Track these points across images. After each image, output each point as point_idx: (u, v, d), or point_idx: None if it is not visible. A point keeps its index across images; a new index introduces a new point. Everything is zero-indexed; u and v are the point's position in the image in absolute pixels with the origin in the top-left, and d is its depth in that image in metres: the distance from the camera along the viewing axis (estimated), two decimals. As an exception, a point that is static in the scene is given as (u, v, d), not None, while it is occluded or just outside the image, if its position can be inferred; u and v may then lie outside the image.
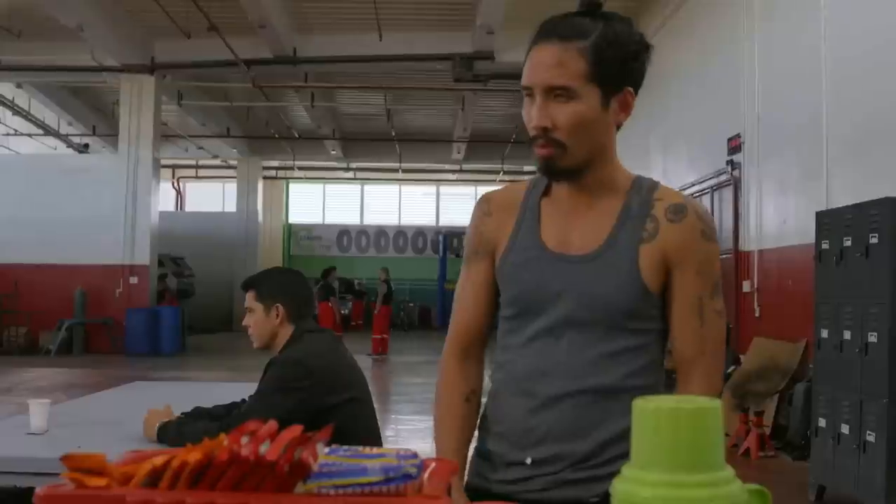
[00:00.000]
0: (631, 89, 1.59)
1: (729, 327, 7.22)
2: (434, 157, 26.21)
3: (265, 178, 28.40)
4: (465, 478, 1.70)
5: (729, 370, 7.98)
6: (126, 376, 10.51)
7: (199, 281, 23.10)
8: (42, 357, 15.97)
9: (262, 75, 16.45)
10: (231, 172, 28.18)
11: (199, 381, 10.05)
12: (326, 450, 1.10)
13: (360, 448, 1.13)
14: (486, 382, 1.77)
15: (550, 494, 1.58)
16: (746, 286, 9.09)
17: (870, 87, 6.80)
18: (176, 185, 30.15)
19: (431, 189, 30.65)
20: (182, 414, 2.97)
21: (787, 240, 8.33)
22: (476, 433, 1.73)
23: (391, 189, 30.65)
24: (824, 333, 5.83)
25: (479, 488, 1.66)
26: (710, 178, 10.49)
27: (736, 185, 9.73)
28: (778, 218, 8.64)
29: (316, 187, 30.74)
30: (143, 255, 16.82)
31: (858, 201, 5.72)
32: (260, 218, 27.24)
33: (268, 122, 22.57)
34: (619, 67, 1.56)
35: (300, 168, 28.40)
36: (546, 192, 1.69)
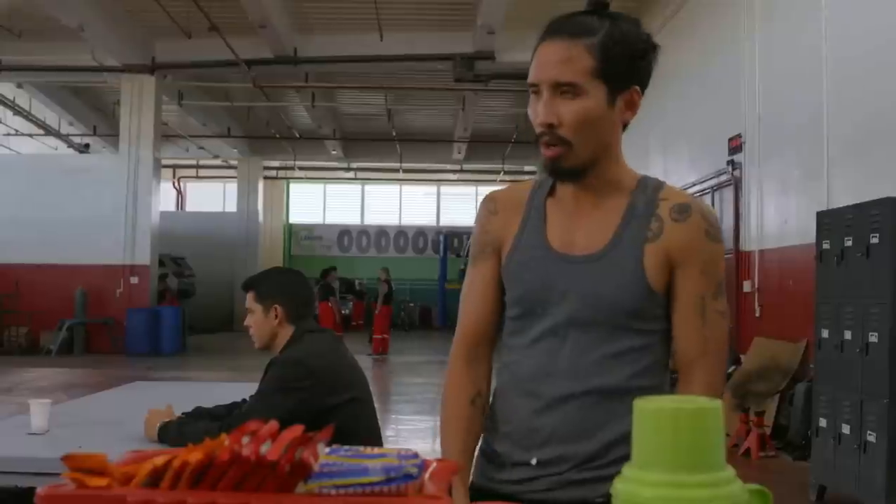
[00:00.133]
0: (637, 88, 1.59)
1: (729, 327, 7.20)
2: (435, 157, 26.22)
3: (266, 178, 28.41)
4: (471, 478, 1.69)
5: (729, 370, 7.98)
6: (127, 376, 10.51)
7: (199, 281, 23.11)
8: (43, 357, 15.97)
9: (262, 75, 16.45)
10: (232, 172, 28.19)
11: (199, 381, 10.06)
12: (327, 450, 1.10)
13: (361, 448, 1.13)
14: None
15: (556, 495, 1.58)
16: (747, 286, 9.09)
17: (870, 87, 6.80)
18: (176, 185, 30.17)
19: (432, 189, 30.65)
20: (183, 414, 2.97)
21: (787, 240, 8.33)
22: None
23: (392, 189, 30.66)
24: (825, 333, 5.83)
25: (484, 488, 1.66)
26: (710, 178, 10.49)
27: (736, 185, 9.73)
28: (779, 218, 8.64)
29: (317, 187, 30.75)
30: (143, 255, 16.83)
31: (859, 201, 5.72)
32: (260, 218, 27.25)
33: (268, 122, 22.57)
34: (627, 65, 1.56)
35: (301, 168, 28.40)
36: (551, 191, 1.69)
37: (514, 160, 25.06)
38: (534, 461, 1.60)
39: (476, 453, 1.72)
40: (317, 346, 2.95)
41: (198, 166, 29.16)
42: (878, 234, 5.26)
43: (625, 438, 1.51)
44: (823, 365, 5.91)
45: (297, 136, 23.66)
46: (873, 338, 5.22)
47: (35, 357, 16.00)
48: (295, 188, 30.87)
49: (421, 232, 29.86)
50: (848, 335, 5.50)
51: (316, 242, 29.90)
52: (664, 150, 12.58)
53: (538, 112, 1.56)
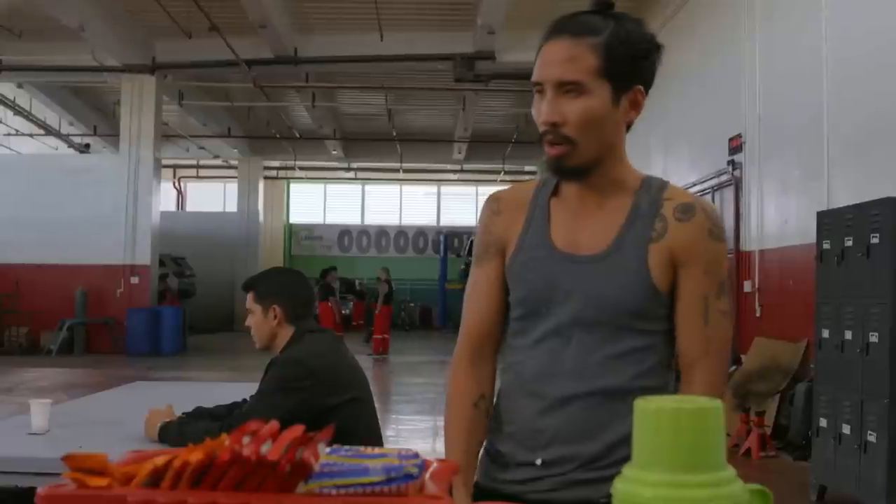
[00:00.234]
0: (641, 88, 1.59)
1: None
2: (435, 158, 26.22)
3: (266, 178, 28.41)
4: (475, 478, 1.69)
5: (730, 370, 7.98)
6: (127, 376, 10.51)
7: (199, 281, 23.11)
8: (43, 357, 15.97)
9: (263, 75, 16.46)
10: (232, 172, 28.19)
11: (200, 381, 10.06)
12: (328, 450, 1.10)
13: (362, 448, 1.13)
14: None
15: (560, 495, 1.58)
16: (747, 286, 9.09)
17: (871, 88, 6.80)
18: (177, 185, 30.17)
19: (432, 189, 30.64)
20: (183, 414, 2.97)
21: (788, 240, 8.33)
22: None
23: (392, 189, 30.66)
24: (825, 333, 5.83)
25: (488, 488, 1.66)
26: (711, 178, 10.49)
27: (737, 185, 9.73)
28: (779, 218, 8.64)
29: (317, 187, 30.75)
30: (144, 255, 16.83)
31: (859, 201, 5.73)
32: (261, 218, 27.25)
33: (269, 122, 22.57)
34: (631, 65, 1.56)
35: (301, 168, 28.40)
36: (555, 191, 1.69)
37: (514, 160, 25.05)
38: (538, 461, 1.60)
39: (480, 454, 1.72)
40: (317, 346, 2.95)
41: (198, 166, 29.16)
42: (878, 234, 5.26)
43: (629, 439, 1.51)
44: (824, 365, 5.91)
45: (298, 136, 23.66)
46: (874, 338, 5.22)
47: (35, 357, 16.00)
48: (295, 188, 30.87)
49: (421, 232, 29.86)
50: (848, 335, 5.50)
51: (316, 242, 29.91)
52: (665, 150, 12.58)
53: (542, 111, 1.56)
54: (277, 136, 23.49)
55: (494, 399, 1.74)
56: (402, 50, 15.40)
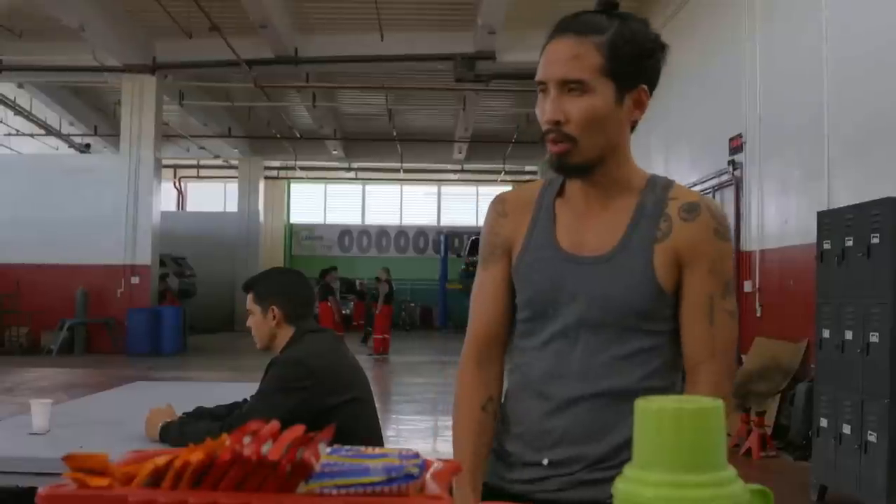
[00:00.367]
0: (645, 87, 1.59)
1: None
2: (435, 158, 26.22)
3: (266, 178, 28.42)
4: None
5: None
6: (127, 376, 10.51)
7: (200, 281, 23.12)
8: (43, 357, 15.98)
9: (263, 75, 16.46)
10: (232, 172, 28.20)
11: (200, 381, 10.06)
12: (328, 450, 1.10)
13: (363, 448, 1.13)
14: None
15: (567, 495, 1.59)
16: (748, 286, 9.09)
17: (871, 88, 6.80)
18: (177, 185, 30.19)
19: (433, 189, 30.66)
20: (184, 414, 2.97)
21: (788, 240, 8.33)
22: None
23: (392, 189, 30.67)
24: (826, 333, 5.83)
25: (495, 487, 1.67)
26: (711, 178, 10.49)
27: (737, 185, 9.73)
28: (779, 218, 8.64)
29: (317, 187, 30.76)
30: (144, 255, 16.84)
31: (860, 201, 5.73)
32: (261, 218, 27.26)
33: (269, 122, 22.58)
34: (635, 64, 1.56)
35: (301, 168, 28.42)
36: (560, 191, 1.69)
37: (514, 160, 25.06)
38: (545, 462, 1.60)
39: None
40: (317, 346, 2.95)
41: (198, 166, 29.17)
42: (878, 234, 5.26)
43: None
44: (824, 365, 5.91)
45: (298, 136, 23.66)
46: (874, 338, 5.22)
47: (36, 357, 16.01)
48: (296, 188, 30.88)
49: (422, 232, 29.86)
50: (849, 335, 5.50)
51: (317, 242, 29.92)
52: (666, 150, 12.58)
53: (545, 109, 1.56)
54: (278, 136, 23.50)
55: (502, 400, 1.74)
56: (403, 50, 15.40)
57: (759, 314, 8.84)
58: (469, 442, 1.67)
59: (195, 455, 1.01)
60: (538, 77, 1.57)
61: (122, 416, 3.24)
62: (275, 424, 1.05)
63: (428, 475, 1.10)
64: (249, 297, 3.07)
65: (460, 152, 24.76)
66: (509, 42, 14.26)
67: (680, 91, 11.28)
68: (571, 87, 1.54)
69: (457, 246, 27.48)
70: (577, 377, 1.58)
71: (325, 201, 30.74)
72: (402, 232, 30.06)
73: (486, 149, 24.35)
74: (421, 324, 27.92)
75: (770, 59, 8.88)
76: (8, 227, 16.94)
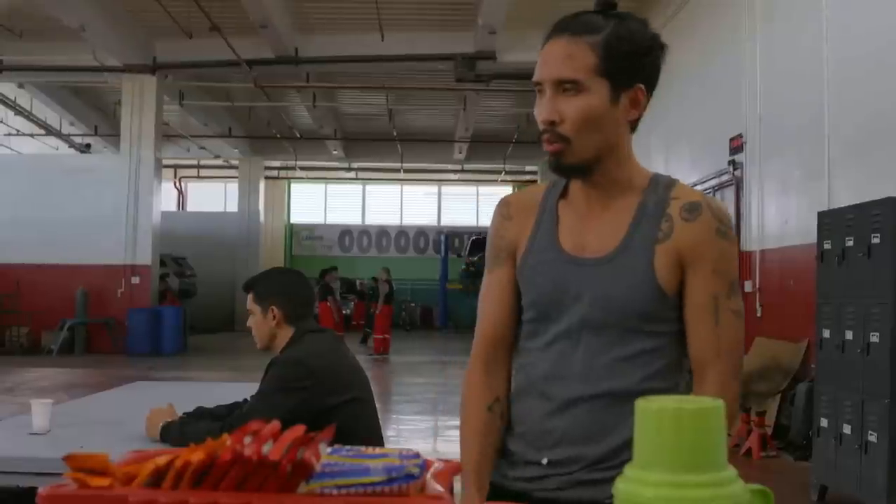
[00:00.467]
0: (642, 86, 1.58)
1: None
2: (436, 158, 26.22)
3: (267, 178, 28.42)
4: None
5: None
6: (128, 376, 10.51)
7: (200, 281, 23.12)
8: (44, 357, 15.98)
9: (263, 75, 16.46)
10: (233, 172, 28.20)
11: (200, 381, 10.06)
12: (329, 450, 1.10)
13: (363, 448, 1.13)
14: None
15: (566, 494, 1.59)
16: (748, 286, 9.09)
17: (871, 88, 6.80)
18: (178, 185, 30.19)
19: (433, 189, 30.65)
20: (184, 414, 2.97)
21: (788, 240, 8.33)
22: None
23: (393, 189, 30.67)
24: (826, 333, 5.83)
25: (496, 485, 1.68)
26: (712, 178, 10.49)
27: (738, 185, 9.73)
28: (780, 218, 8.64)
29: (317, 187, 30.76)
30: (144, 255, 16.83)
31: (860, 201, 5.72)
32: (262, 218, 27.26)
33: (269, 122, 22.58)
34: (630, 62, 1.56)
35: (302, 168, 28.42)
36: (564, 193, 1.69)
37: (515, 160, 25.05)
38: (545, 461, 1.61)
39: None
40: (317, 346, 2.95)
41: (199, 166, 29.17)
42: (879, 234, 5.26)
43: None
44: (824, 365, 5.91)
45: (298, 136, 23.66)
46: (874, 338, 5.21)
47: (36, 357, 16.01)
48: (296, 188, 30.88)
49: (422, 232, 29.86)
50: (849, 335, 5.50)
51: (317, 242, 29.91)
52: (666, 150, 12.58)
53: (541, 110, 1.56)
54: (278, 136, 23.50)
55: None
56: (403, 50, 15.40)
57: (759, 314, 8.83)
58: (475, 442, 1.68)
59: (196, 455, 1.01)
60: (535, 78, 1.58)
61: (123, 416, 3.24)
62: (275, 424, 1.05)
63: (428, 475, 1.10)
64: (249, 297, 3.07)
65: (461, 152, 24.76)
66: (510, 42, 14.26)
67: (680, 91, 11.28)
68: (566, 87, 1.54)
69: (457, 246, 27.49)
70: (578, 378, 1.59)
71: (326, 201, 30.73)
72: (402, 232, 30.05)
73: (486, 149, 24.35)
74: (421, 324, 27.92)
75: (770, 59, 8.88)
76: (8, 227, 16.94)
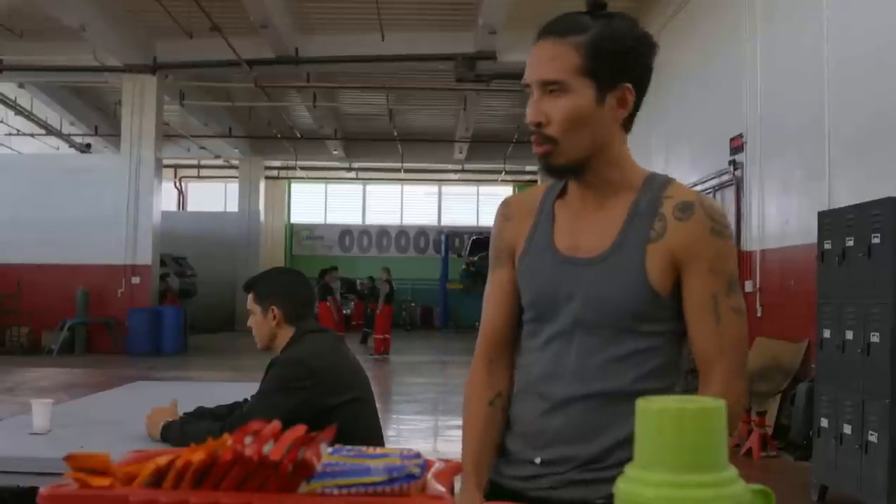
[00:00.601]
0: (629, 86, 1.57)
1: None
2: (436, 157, 26.22)
3: (267, 177, 28.42)
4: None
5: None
6: (128, 376, 10.52)
7: (201, 281, 23.12)
8: (44, 357, 15.98)
9: (264, 75, 16.46)
10: (233, 172, 28.20)
11: (200, 380, 10.06)
12: (330, 450, 1.10)
13: (364, 448, 1.13)
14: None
15: (559, 493, 1.59)
16: (749, 286, 9.08)
17: (872, 88, 6.80)
18: (178, 184, 30.19)
19: (433, 189, 30.65)
20: (184, 414, 2.97)
21: (789, 240, 8.33)
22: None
23: (393, 189, 30.66)
24: (826, 333, 5.82)
25: (494, 483, 1.69)
26: (712, 178, 10.49)
27: (738, 185, 9.72)
28: (780, 218, 8.64)
29: (318, 187, 30.76)
30: (145, 255, 16.84)
31: (860, 201, 5.72)
32: (262, 218, 27.26)
33: (270, 122, 22.58)
34: (615, 62, 1.55)
35: (302, 168, 28.41)
36: (562, 194, 1.70)
37: (515, 160, 25.05)
38: (538, 460, 1.62)
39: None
40: (318, 346, 2.95)
41: (199, 166, 29.17)
42: (879, 234, 5.26)
43: (626, 442, 1.52)
44: (825, 365, 5.91)
45: (299, 136, 23.66)
46: (875, 338, 5.21)
47: (36, 357, 16.01)
48: (296, 188, 30.88)
49: (422, 232, 29.85)
50: (849, 335, 5.50)
51: (317, 242, 29.91)
52: (666, 150, 12.58)
53: (528, 111, 1.58)
54: (278, 136, 23.49)
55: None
56: (404, 50, 15.40)
57: (759, 314, 8.83)
58: (475, 436, 1.71)
59: (197, 455, 1.02)
60: (523, 80, 1.59)
61: (123, 416, 3.24)
62: (276, 424, 1.05)
63: (429, 475, 1.10)
64: (250, 297, 3.07)
65: (461, 152, 24.76)
66: (510, 42, 14.26)
67: (680, 91, 11.28)
68: (551, 88, 1.55)
69: (457, 246, 27.49)
70: (572, 378, 1.59)
71: (326, 201, 30.73)
72: (402, 232, 30.05)
73: (486, 149, 24.35)
74: (421, 324, 27.92)
75: (771, 59, 8.88)
76: (8, 227, 16.94)
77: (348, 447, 1.13)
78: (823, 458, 5.79)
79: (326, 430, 1.09)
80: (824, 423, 5.78)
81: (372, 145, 24.53)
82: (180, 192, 30.47)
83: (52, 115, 21.20)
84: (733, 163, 9.82)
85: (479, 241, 24.67)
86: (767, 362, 7.96)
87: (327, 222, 30.30)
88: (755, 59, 9.17)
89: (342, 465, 1.04)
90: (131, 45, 15.80)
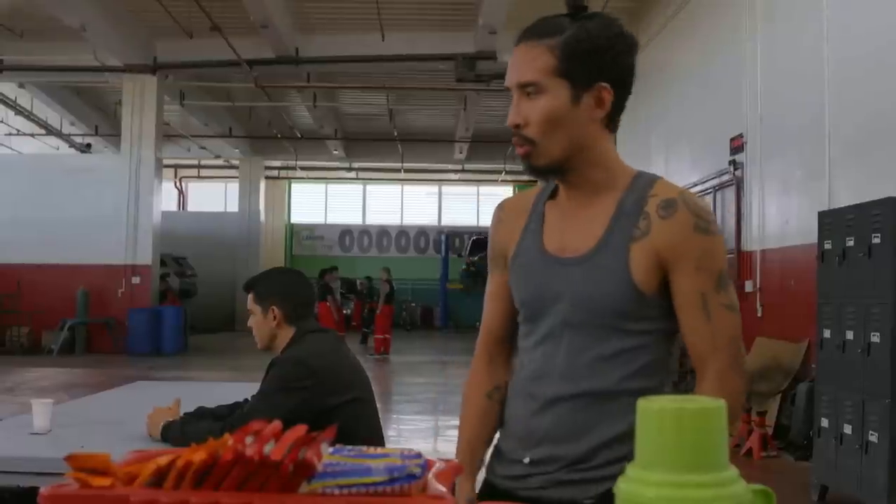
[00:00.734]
0: (606, 85, 1.57)
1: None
2: (436, 157, 26.22)
3: (267, 177, 28.42)
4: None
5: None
6: (128, 376, 10.52)
7: (201, 281, 23.12)
8: (44, 357, 15.98)
9: (264, 75, 16.46)
10: (233, 172, 28.20)
11: (201, 380, 10.06)
12: (331, 450, 1.10)
13: (365, 448, 1.13)
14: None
15: (548, 493, 1.60)
16: (749, 286, 9.09)
17: (872, 88, 6.80)
18: (178, 184, 30.19)
19: (434, 189, 30.64)
20: (185, 414, 2.97)
21: (789, 240, 8.33)
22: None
23: (393, 189, 30.66)
24: (827, 333, 5.83)
25: (487, 482, 1.72)
26: (712, 178, 10.49)
27: (738, 185, 9.72)
28: (780, 218, 8.64)
29: (318, 187, 30.75)
30: (145, 255, 16.84)
31: (861, 201, 5.72)
32: (262, 218, 27.26)
33: (270, 122, 22.59)
34: (589, 61, 1.55)
35: (302, 168, 28.41)
36: (553, 195, 1.71)
37: (515, 160, 24.71)
38: (527, 460, 1.63)
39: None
40: (318, 346, 2.95)
41: (199, 166, 29.17)
42: (879, 234, 5.26)
43: (613, 441, 1.54)
44: (825, 365, 5.91)
45: (299, 136, 23.66)
46: (875, 338, 5.21)
47: (37, 357, 16.01)
48: (296, 188, 30.88)
49: (422, 232, 29.85)
50: (850, 335, 5.50)
51: (317, 242, 29.91)
52: (666, 150, 12.58)
53: (509, 114, 1.60)
54: (279, 136, 23.49)
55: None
56: (404, 50, 15.41)
57: (759, 314, 8.83)
58: (470, 425, 1.76)
59: (197, 455, 1.02)
60: (504, 83, 1.63)
61: (124, 416, 3.24)
62: (277, 424, 1.05)
63: (430, 475, 1.10)
64: (250, 297, 3.07)
65: (461, 152, 24.76)
66: (510, 42, 13.90)
67: (680, 91, 11.28)
68: (528, 90, 1.57)
69: (458, 246, 27.49)
70: (560, 377, 1.60)
71: (326, 201, 30.73)
72: (402, 232, 30.05)
73: (486, 149, 24.35)
74: (422, 324, 27.92)
75: (771, 59, 8.88)
76: (8, 227, 16.95)
77: (349, 447, 1.13)
78: (824, 458, 5.79)
79: (327, 430, 1.09)
80: (824, 423, 5.78)
81: (372, 145, 24.53)
82: (180, 192, 30.47)
83: (52, 115, 21.20)
84: (733, 163, 9.82)
85: (479, 241, 24.68)
86: (768, 362, 7.96)
87: (327, 222, 30.30)
88: (755, 59, 9.18)
89: (343, 465, 1.04)
90: (131, 45, 15.80)
